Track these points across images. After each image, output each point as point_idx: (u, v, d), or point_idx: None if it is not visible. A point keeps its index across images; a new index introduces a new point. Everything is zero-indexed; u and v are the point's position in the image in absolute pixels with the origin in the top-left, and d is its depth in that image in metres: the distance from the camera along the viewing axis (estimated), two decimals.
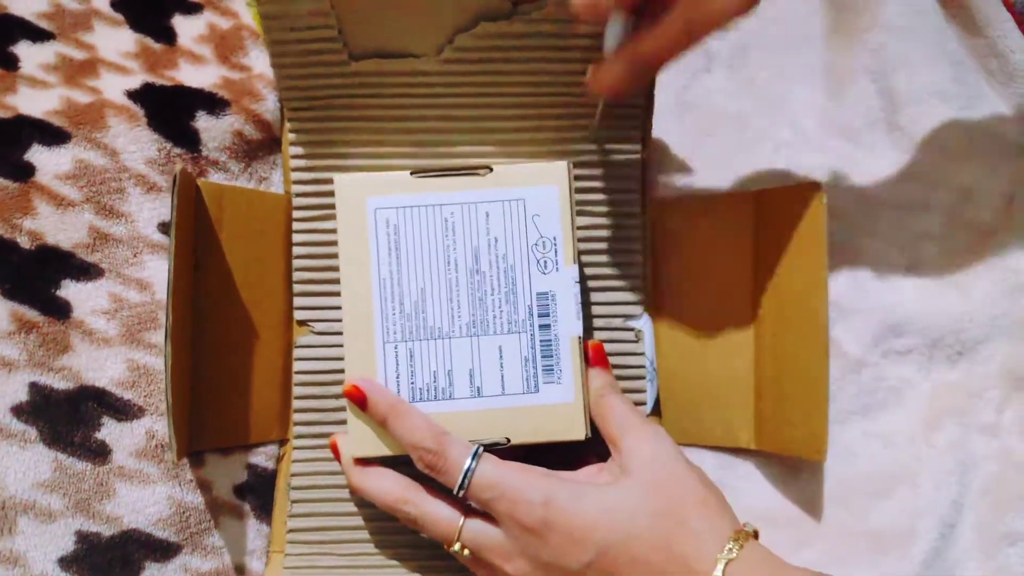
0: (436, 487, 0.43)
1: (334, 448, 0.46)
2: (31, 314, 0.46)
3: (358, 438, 0.44)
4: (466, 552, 0.42)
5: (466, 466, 0.41)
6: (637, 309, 0.50)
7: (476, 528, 0.42)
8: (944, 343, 0.50)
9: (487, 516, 0.42)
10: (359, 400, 0.44)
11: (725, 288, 0.51)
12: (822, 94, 0.54)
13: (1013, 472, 0.49)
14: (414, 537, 0.48)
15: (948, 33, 0.53)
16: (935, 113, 0.52)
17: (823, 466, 0.50)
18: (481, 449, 0.42)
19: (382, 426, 0.44)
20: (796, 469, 0.49)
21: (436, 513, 0.42)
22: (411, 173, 0.45)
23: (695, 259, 0.51)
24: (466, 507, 0.43)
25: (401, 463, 0.44)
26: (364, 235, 0.45)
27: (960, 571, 0.48)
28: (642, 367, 0.50)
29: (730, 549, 0.38)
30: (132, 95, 0.48)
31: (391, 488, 0.43)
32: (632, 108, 0.50)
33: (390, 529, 0.48)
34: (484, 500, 0.41)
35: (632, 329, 0.50)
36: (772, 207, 0.48)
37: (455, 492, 0.41)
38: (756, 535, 0.40)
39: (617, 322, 0.50)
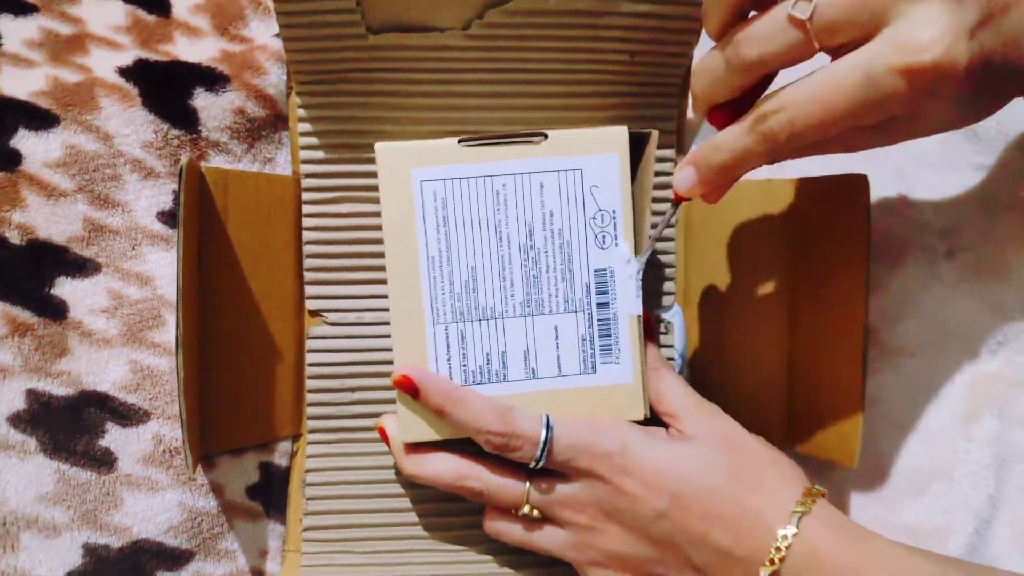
0: (493, 456, 0.42)
1: (382, 432, 0.44)
2: (24, 315, 0.43)
3: (409, 422, 0.43)
4: (535, 513, 0.42)
5: (542, 439, 0.41)
6: (667, 300, 0.48)
7: (544, 487, 0.42)
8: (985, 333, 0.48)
9: (551, 473, 0.42)
10: (411, 390, 0.42)
11: (760, 280, 0.48)
12: None
13: None
14: (433, 532, 0.47)
15: None
16: None
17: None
18: (548, 418, 0.41)
19: (439, 415, 0.42)
20: (828, 465, 0.48)
21: (500, 482, 0.42)
22: (459, 141, 0.42)
23: (730, 249, 0.49)
24: (529, 470, 0.42)
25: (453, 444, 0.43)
26: (410, 210, 0.42)
27: None
28: (671, 359, 0.48)
29: (802, 503, 0.39)
30: (124, 72, 0.44)
31: (450, 468, 0.43)
32: (668, 87, 0.47)
33: (409, 524, 0.47)
34: (563, 462, 0.41)
35: (662, 320, 0.48)
36: (814, 197, 0.46)
37: (532, 465, 0.41)
38: (824, 495, 0.41)
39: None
